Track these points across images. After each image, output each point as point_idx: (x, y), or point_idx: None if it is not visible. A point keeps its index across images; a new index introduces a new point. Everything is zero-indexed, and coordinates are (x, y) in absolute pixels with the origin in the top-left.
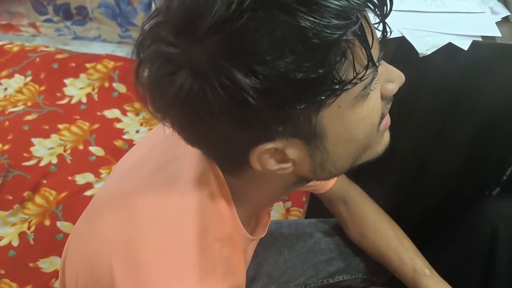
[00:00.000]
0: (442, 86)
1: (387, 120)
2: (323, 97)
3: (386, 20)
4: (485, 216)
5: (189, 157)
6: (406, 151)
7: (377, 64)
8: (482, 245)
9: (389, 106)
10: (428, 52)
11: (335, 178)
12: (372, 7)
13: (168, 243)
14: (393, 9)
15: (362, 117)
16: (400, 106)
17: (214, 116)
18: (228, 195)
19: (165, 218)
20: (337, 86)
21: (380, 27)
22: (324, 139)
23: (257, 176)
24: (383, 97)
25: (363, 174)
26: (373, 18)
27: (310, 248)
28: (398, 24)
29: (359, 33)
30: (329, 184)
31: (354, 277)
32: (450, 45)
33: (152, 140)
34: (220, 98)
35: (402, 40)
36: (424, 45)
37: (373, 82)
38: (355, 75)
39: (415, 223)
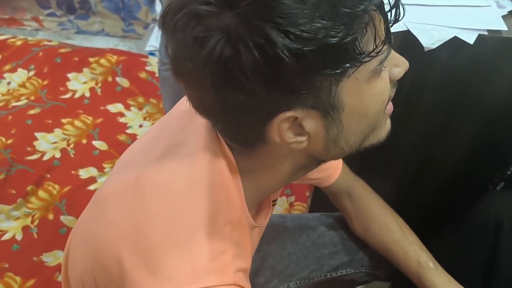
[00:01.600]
0: (447, 80)
1: (390, 105)
2: (346, 65)
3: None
4: (489, 211)
5: (197, 140)
6: (410, 145)
7: (391, 42)
8: (486, 239)
9: (394, 90)
10: (434, 46)
11: (340, 170)
12: None
13: (177, 224)
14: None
15: (376, 92)
16: (405, 100)
17: (245, 77)
18: (237, 178)
19: (174, 201)
20: (358, 56)
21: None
22: (341, 111)
23: (268, 155)
24: (390, 80)
25: (366, 168)
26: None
27: (313, 242)
28: (404, 18)
29: (380, 6)
30: (334, 177)
31: (357, 271)
32: (455, 39)
33: (157, 130)
34: (253, 57)
35: (408, 34)
36: (430, 39)
37: (387, 59)
38: (374, 47)
39: (418, 217)
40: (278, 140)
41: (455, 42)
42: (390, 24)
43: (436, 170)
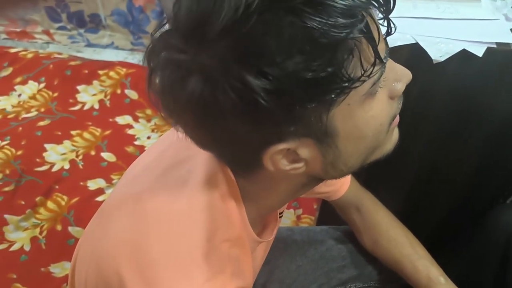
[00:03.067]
0: (456, 93)
1: (396, 118)
2: (333, 95)
3: (401, 24)
4: (499, 224)
5: (200, 159)
6: (418, 158)
7: (384, 60)
8: (496, 253)
9: (400, 106)
10: (442, 59)
11: (348, 184)
12: (377, 5)
13: (176, 243)
14: (406, 15)
15: (371, 115)
16: (413, 112)
17: (226, 119)
18: (238, 196)
19: (174, 219)
20: (346, 84)
21: (385, 24)
22: (335, 137)
23: (268, 178)
24: (392, 97)
25: (374, 181)
26: (378, 14)
27: (322, 255)
28: (412, 31)
29: (365, 30)
30: (342, 191)
31: (366, 285)
32: (464, 52)
33: (163, 144)
34: (232, 100)
35: (416, 47)
36: (438, 52)
37: (381, 79)
38: (363, 72)
39: (427, 230)
40: (273, 169)
41: (464, 55)
42: (384, 36)
43: (444, 183)
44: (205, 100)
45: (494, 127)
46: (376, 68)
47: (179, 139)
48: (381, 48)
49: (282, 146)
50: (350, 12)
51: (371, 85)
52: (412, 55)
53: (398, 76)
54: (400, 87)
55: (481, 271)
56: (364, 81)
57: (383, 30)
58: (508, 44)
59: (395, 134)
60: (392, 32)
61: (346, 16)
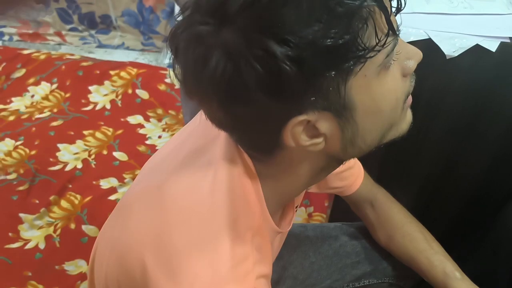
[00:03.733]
0: (469, 88)
1: (409, 98)
2: (349, 64)
3: (414, 20)
4: None
5: (218, 148)
6: (433, 153)
7: (397, 31)
8: (510, 248)
9: (413, 83)
10: (456, 54)
11: (362, 179)
12: None
13: (199, 231)
14: (419, 11)
15: (387, 89)
16: (426, 108)
17: (250, 91)
18: (257, 184)
19: (195, 208)
20: (361, 53)
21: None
22: (353, 111)
23: (287, 159)
24: (404, 74)
25: (387, 177)
26: None
27: (335, 251)
28: (425, 26)
29: (378, 0)
30: (356, 186)
31: (380, 281)
32: (477, 47)
33: (181, 137)
34: (255, 70)
35: (429, 42)
36: (451, 47)
37: (394, 51)
38: (377, 41)
39: (441, 226)
40: (294, 144)
41: (477, 50)
42: (395, 13)
43: (459, 178)
44: (228, 75)
45: (508, 122)
46: (389, 39)
47: (197, 129)
48: (393, 20)
49: (302, 117)
50: None
51: (385, 56)
52: (426, 50)
53: (410, 54)
54: (412, 64)
55: (497, 267)
56: (379, 51)
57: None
58: None
59: (409, 115)
60: (402, 8)
61: None
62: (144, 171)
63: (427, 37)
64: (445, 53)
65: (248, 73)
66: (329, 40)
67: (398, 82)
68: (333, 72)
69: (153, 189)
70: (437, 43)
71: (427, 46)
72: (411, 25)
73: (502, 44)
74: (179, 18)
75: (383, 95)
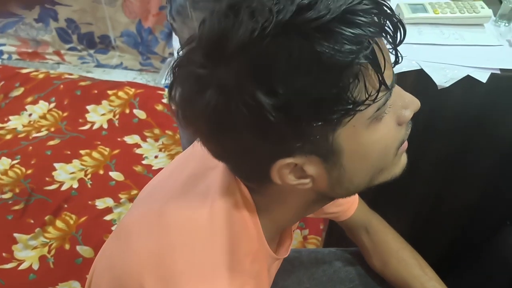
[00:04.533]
0: (461, 118)
1: (404, 143)
2: (338, 116)
3: (406, 51)
4: (506, 246)
5: (217, 175)
6: (425, 181)
7: (390, 87)
8: (504, 274)
9: (408, 132)
10: (447, 85)
11: (357, 204)
12: (385, 35)
13: (200, 256)
14: (411, 42)
15: (376, 138)
16: (420, 136)
17: (237, 130)
18: (253, 211)
19: (196, 234)
20: (350, 106)
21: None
22: (340, 156)
23: (280, 192)
24: (399, 123)
25: (382, 203)
26: (387, 43)
27: (329, 277)
28: (417, 57)
29: (371, 57)
30: (351, 212)
31: None
32: (468, 78)
33: (180, 161)
34: (243, 114)
35: (421, 72)
36: (443, 78)
37: (387, 105)
38: (367, 96)
39: (434, 252)
40: (281, 183)
41: (468, 81)
42: (393, 66)
43: (451, 205)
44: (219, 111)
45: (499, 150)
46: (381, 94)
47: (196, 154)
48: (387, 75)
49: (289, 160)
50: (357, 39)
51: (376, 109)
52: (418, 81)
53: (406, 103)
54: (408, 114)
55: None
56: (369, 105)
57: (392, 58)
58: (511, 70)
59: (403, 159)
60: (399, 62)
61: (353, 43)
62: (143, 194)
63: (419, 68)
64: (437, 83)
65: (237, 114)
66: (316, 93)
67: (391, 131)
68: (320, 123)
69: (153, 213)
70: (428, 73)
71: (420, 77)
72: (403, 56)
73: (492, 76)
74: (181, 53)
75: (372, 144)
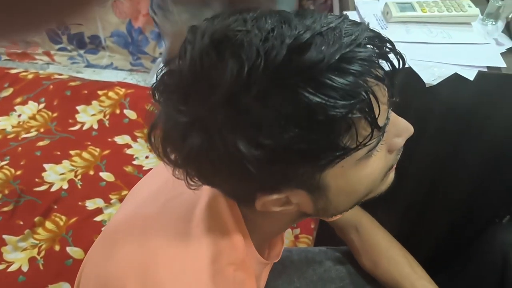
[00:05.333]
0: (449, 116)
1: (393, 167)
2: (326, 162)
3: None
4: (496, 244)
5: (205, 187)
6: (415, 180)
7: (383, 129)
8: (493, 272)
9: (398, 157)
10: (435, 83)
11: None
12: (382, 83)
13: (182, 265)
14: (400, 40)
15: (365, 174)
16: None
17: (221, 172)
18: (241, 222)
19: (178, 242)
20: (340, 153)
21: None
22: (327, 191)
23: (266, 211)
24: (390, 151)
25: (372, 202)
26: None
27: (320, 277)
28: (405, 55)
29: (366, 109)
30: None
31: None
32: (456, 76)
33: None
34: (226, 162)
35: (410, 71)
36: (431, 76)
37: (378, 146)
38: (358, 143)
39: (425, 250)
40: (265, 210)
41: (456, 79)
42: (390, 108)
43: (441, 203)
44: (202, 155)
45: (488, 148)
46: (373, 138)
47: None
48: (382, 114)
49: (274, 197)
50: (351, 91)
51: (367, 151)
52: (406, 79)
53: (399, 131)
54: (401, 141)
55: None
56: (360, 148)
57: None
58: (498, 68)
59: (391, 176)
60: (397, 100)
61: (348, 96)
62: (131, 201)
63: (407, 66)
64: (425, 81)
65: (220, 160)
66: (305, 145)
67: (382, 162)
68: (308, 167)
69: (140, 221)
70: (417, 71)
71: (408, 75)
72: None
73: (479, 73)
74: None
75: (360, 180)
